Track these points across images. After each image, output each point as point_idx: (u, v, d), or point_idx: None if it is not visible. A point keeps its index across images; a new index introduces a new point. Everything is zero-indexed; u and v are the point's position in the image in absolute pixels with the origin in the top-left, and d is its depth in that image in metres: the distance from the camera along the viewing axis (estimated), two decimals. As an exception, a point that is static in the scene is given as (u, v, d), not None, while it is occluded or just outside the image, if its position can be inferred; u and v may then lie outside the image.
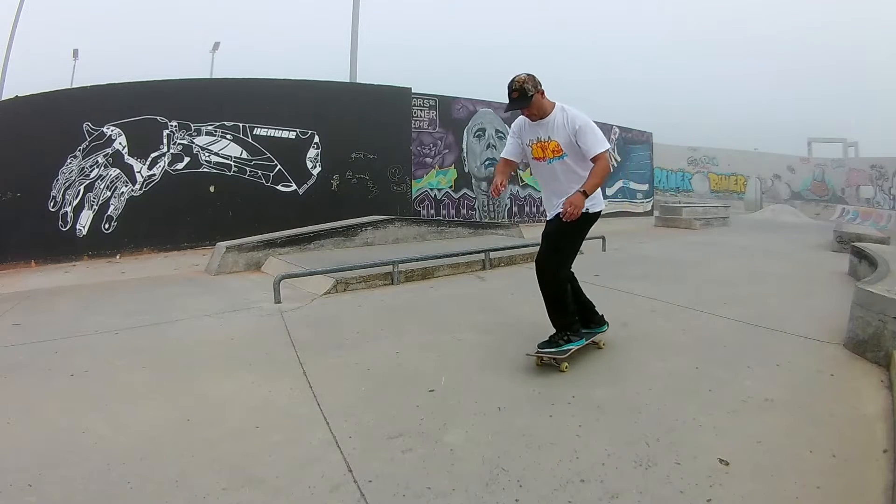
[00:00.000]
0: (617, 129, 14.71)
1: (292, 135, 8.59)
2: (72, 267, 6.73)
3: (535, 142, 2.92)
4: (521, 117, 2.94)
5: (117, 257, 7.29)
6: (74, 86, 9.56)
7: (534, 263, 3.05)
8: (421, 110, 10.27)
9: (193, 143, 7.87)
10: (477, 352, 3.19)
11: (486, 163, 11.42)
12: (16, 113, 6.93)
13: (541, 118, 2.84)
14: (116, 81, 7.50)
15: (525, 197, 12.31)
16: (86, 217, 7.23)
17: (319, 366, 2.99)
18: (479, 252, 6.05)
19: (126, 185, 7.46)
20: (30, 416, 2.38)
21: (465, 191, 11.16)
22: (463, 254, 5.90)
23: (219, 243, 6.22)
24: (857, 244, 5.93)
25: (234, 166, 8.15)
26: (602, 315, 3.18)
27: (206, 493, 1.79)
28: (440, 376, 2.77)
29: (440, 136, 10.63)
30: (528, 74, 2.75)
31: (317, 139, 8.79)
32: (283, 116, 8.47)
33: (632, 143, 15.23)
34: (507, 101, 2.82)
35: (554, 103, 2.86)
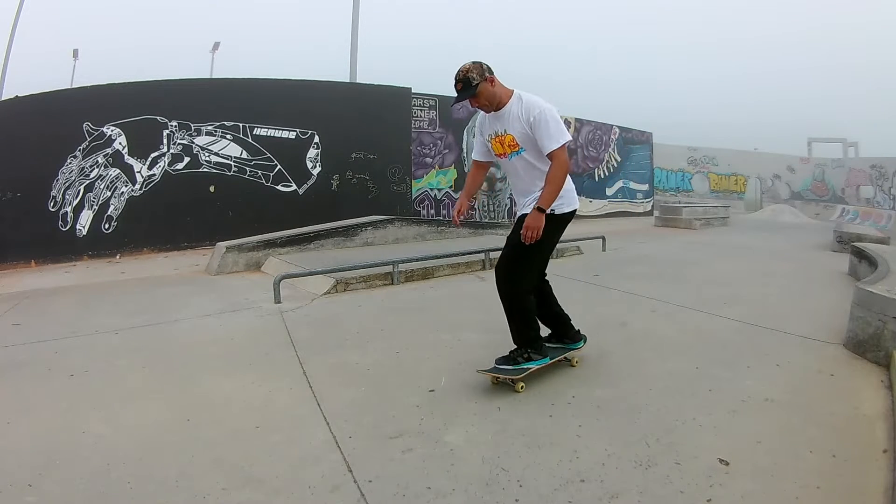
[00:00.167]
0: (617, 129, 14.70)
1: (292, 135, 8.59)
2: (72, 267, 6.73)
3: (493, 136, 2.65)
4: (483, 112, 2.68)
5: (117, 257, 7.29)
6: (74, 86, 9.56)
7: None
8: (421, 110, 10.27)
9: (193, 143, 7.87)
10: (477, 352, 3.18)
11: (486, 163, 11.41)
12: (16, 113, 6.92)
13: (497, 109, 2.57)
14: (116, 81, 7.50)
15: (525, 197, 12.29)
16: (86, 217, 7.23)
17: (319, 366, 2.99)
18: (479, 252, 6.05)
19: (126, 185, 7.46)
20: (30, 416, 2.38)
21: (464, 191, 11.15)
22: (463, 254, 5.90)
23: (219, 243, 6.22)
24: (857, 244, 5.93)
25: (234, 166, 8.15)
26: (578, 330, 2.91)
27: (206, 493, 1.79)
28: (440, 376, 2.77)
29: (440, 136, 10.63)
30: (473, 62, 2.50)
31: (317, 139, 8.79)
32: (283, 116, 8.47)
33: (632, 143, 15.22)
34: None
35: (512, 92, 2.58)
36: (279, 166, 8.46)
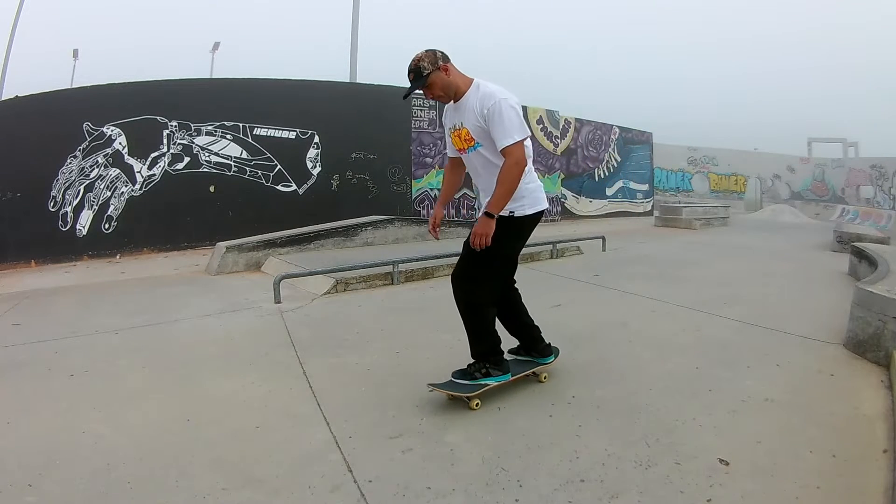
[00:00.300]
0: (617, 129, 14.71)
1: (292, 135, 8.59)
2: (72, 267, 6.73)
3: (452, 130, 2.45)
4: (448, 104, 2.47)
5: (117, 257, 7.29)
6: (74, 86, 9.56)
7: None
8: (421, 110, 10.27)
9: (193, 143, 7.87)
10: (477, 352, 3.18)
11: (486, 163, 11.41)
12: (16, 113, 6.92)
13: (456, 100, 2.38)
14: (116, 81, 7.50)
15: (525, 197, 12.29)
16: (86, 217, 7.23)
17: (319, 366, 2.99)
18: (479, 252, 6.04)
19: (126, 185, 7.46)
20: (30, 416, 2.38)
21: (465, 191, 11.16)
22: (463, 254, 5.89)
23: (219, 243, 6.23)
24: (857, 244, 5.93)
25: (234, 166, 8.15)
26: (549, 344, 2.69)
27: (206, 493, 1.79)
28: (440, 376, 2.76)
29: (440, 136, 10.62)
30: (427, 50, 2.32)
31: (317, 139, 8.79)
32: (283, 116, 8.47)
33: (632, 143, 15.22)
34: None
35: (471, 81, 2.38)
36: (279, 166, 8.46)
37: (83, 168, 7.18)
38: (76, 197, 7.15)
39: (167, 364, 3.07)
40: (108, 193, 7.35)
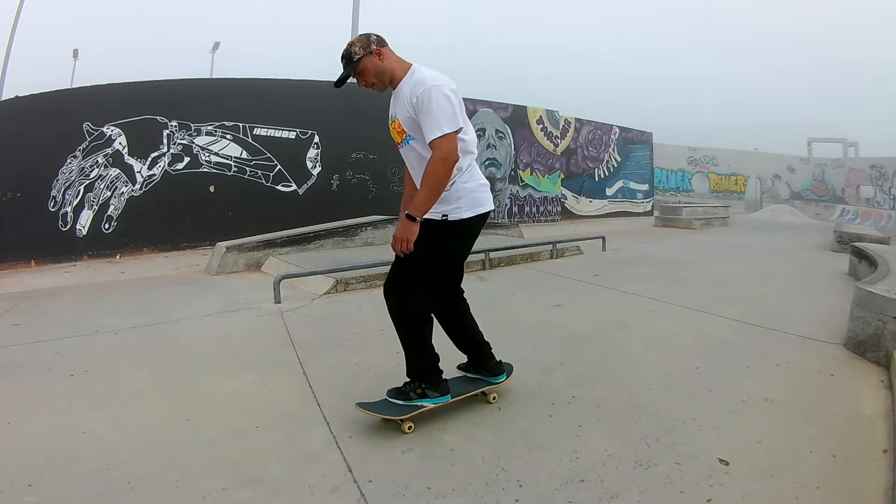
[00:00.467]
0: (617, 129, 14.71)
1: (292, 135, 8.59)
2: (72, 267, 6.73)
3: (390, 122, 2.23)
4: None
5: (117, 257, 7.29)
6: (74, 86, 9.56)
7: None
8: (421, 110, 10.27)
9: (193, 143, 7.87)
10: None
11: (486, 163, 11.41)
12: (16, 113, 6.92)
13: (393, 88, 2.16)
14: (116, 81, 7.50)
15: (525, 197, 12.30)
16: (86, 217, 7.23)
17: (319, 366, 2.99)
18: (479, 252, 6.05)
19: (126, 185, 7.46)
20: (30, 416, 2.38)
21: (465, 191, 11.16)
22: (463, 254, 5.89)
23: (219, 243, 6.23)
24: (857, 244, 5.93)
25: (234, 166, 8.15)
26: (500, 362, 2.45)
27: (206, 493, 1.79)
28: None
29: (440, 136, 10.62)
30: (362, 34, 2.14)
31: (317, 139, 8.79)
32: (283, 116, 8.47)
33: (632, 143, 15.23)
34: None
35: (409, 66, 2.15)
36: (279, 166, 8.46)
37: (83, 168, 7.18)
38: (76, 197, 7.15)
39: (167, 364, 3.07)
40: (108, 193, 7.35)
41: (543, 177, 12.63)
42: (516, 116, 11.87)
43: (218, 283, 5.43)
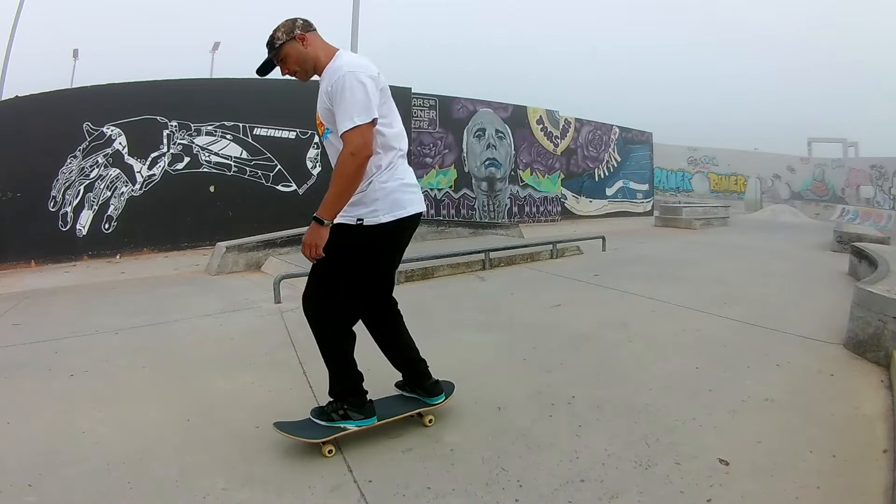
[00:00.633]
0: (617, 129, 14.71)
1: (292, 135, 8.59)
2: (72, 267, 6.73)
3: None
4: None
5: (117, 257, 7.29)
6: (74, 86, 9.56)
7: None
8: (421, 110, 10.27)
9: (193, 143, 7.87)
10: (477, 352, 3.18)
11: (487, 163, 11.42)
12: (16, 113, 6.92)
13: (320, 76, 1.95)
14: (116, 81, 7.50)
15: (525, 197, 12.30)
16: (86, 217, 7.23)
17: (319, 366, 2.94)
18: (479, 252, 6.05)
19: (126, 185, 7.46)
20: (30, 416, 2.38)
21: (465, 191, 11.16)
22: (463, 254, 5.90)
23: (219, 243, 6.23)
24: (857, 244, 5.93)
25: (234, 166, 8.15)
26: (437, 382, 2.24)
27: (206, 493, 1.79)
28: (440, 376, 2.76)
29: (440, 136, 10.63)
30: (289, 19, 1.97)
31: (317, 139, 8.78)
32: (283, 116, 8.46)
33: (632, 143, 15.22)
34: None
35: (335, 52, 1.95)
36: (279, 166, 8.46)
37: (83, 168, 7.18)
38: (76, 197, 7.15)
39: (167, 364, 3.07)
40: (108, 193, 7.35)
41: (543, 177, 12.62)
42: (516, 116, 11.87)
43: (218, 283, 5.43)
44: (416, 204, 2.01)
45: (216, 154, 8.03)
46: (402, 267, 5.27)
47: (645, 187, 15.88)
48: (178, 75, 8.13)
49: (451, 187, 10.90)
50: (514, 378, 2.76)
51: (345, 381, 2.03)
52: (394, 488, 1.80)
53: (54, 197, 7.02)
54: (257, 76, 2.09)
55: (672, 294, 4.61)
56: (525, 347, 3.21)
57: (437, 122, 10.51)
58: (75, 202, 7.15)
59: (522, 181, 12.21)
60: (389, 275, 2.17)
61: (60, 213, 7.07)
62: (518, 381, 2.70)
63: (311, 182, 8.76)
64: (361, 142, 1.76)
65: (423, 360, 2.25)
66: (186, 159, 7.82)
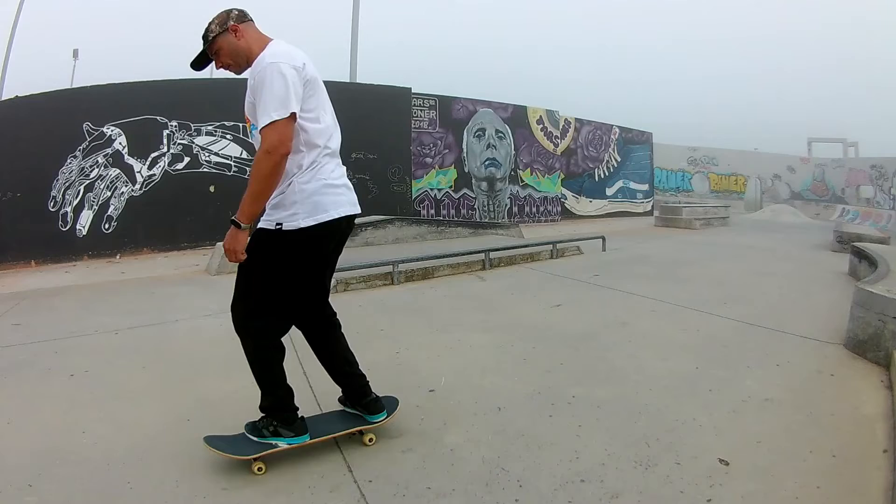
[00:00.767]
0: (617, 129, 14.71)
1: (292, 135, 8.59)
2: (72, 267, 6.73)
3: None
4: None
5: (117, 257, 7.29)
6: (74, 86, 9.56)
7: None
8: (421, 110, 10.27)
9: (193, 143, 7.87)
10: (477, 352, 3.18)
11: (486, 163, 11.43)
12: (16, 113, 6.93)
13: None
14: (116, 81, 7.51)
15: (525, 197, 12.31)
16: (86, 217, 7.23)
17: (320, 366, 2.97)
18: (479, 252, 6.05)
19: (126, 185, 7.46)
20: (30, 416, 2.38)
21: (465, 191, 11.17)
22: (463, 254, 5.90)
23: (219, 243, 6.21)
24: (857, 244, 5.93)
25: (234, 166, 8.15)
26: (378, 399, 2.09)
27: (206, 493, 1.79)
28: (440, 376, 2.77)
29: (440, 136, 10.63)
30: (224, 10, 1.86)
31: (317, 139, 8.78)
32: (283, 116, 8.46)
33: (632, 143, 15.23)
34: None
35: (267, 43, 1.83)
36: (279, 166, 8.46)
37: (83, 168, 7.18)
38: (76, 197, 7.15)
39: (167, 364, 3.07)
40: (108, 193, 7.35)
41: (543, 177, 12.63)
42: (516, 116, 11.88)
43: (218, 283, 5.43)
44: (341, 206, 1.84)
45: (216, 154, 8.03)
46: (402, 267, 5.29)
47: (645, 187, 15.89)
48: (178, 75, 8.13)
49: (450, 187, 10.90)
50: (514, 378, 2.76)
51: (271, 396, 1.92)
52: (394, 488, 1.80)
53: (54, 197, 7.03)
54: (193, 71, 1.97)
55: (672, 294, 4.61)
56: (525, 347, 3.21)
57: (437, 122, 10.51)
58: (75, 202, 7.15)
59: (522, 181, 12.21)
60: (320, 283, 2.02)
61: (60, 213, 7.07)
62: (518, 381, 2.70)
63: (311, 182, 8.75)
64: (277, 139, 1.64)
65: (363, 376, 2.11)
66: (186, 159, 7.82)
